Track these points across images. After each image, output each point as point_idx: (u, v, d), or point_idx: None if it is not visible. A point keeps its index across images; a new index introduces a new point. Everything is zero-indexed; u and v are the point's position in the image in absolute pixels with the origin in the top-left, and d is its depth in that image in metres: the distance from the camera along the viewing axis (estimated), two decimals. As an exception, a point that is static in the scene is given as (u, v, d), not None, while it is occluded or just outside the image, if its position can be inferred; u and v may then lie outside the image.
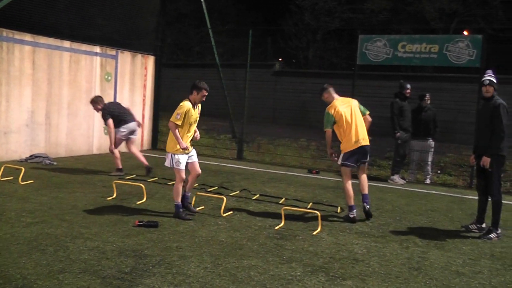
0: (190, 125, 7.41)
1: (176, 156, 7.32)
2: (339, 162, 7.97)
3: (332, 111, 7.90)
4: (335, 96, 8.15)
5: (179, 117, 7.25)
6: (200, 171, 7.66)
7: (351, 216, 7.66)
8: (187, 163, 7.46)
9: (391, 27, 22.64)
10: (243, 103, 14.03)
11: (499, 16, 24.06)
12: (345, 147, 7.88)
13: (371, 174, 12.65)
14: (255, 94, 17.45)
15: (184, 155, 7.37)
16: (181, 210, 7.26)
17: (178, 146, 7.28)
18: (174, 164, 7.33)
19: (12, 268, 4.90)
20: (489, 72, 7.39)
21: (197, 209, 7.74)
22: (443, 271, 5.62)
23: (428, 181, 11.71)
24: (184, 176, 7.35)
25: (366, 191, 7.95)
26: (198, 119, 7.57)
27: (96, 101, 10.42)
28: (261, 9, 32.78)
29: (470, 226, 7.56)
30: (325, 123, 8.05)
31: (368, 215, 7.80)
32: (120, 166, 10.38)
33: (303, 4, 26.94)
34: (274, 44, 27.06)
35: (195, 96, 7.43)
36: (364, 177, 8.05)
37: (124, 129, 10.41)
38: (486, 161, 7.13)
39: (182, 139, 7.28)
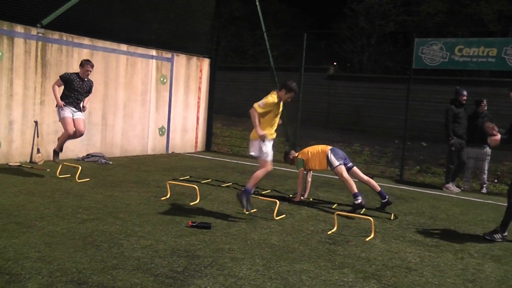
0: (276, 116, 7.45)
1: (264, 144, 7.34)
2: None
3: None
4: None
5: (262, 105, 7.25)
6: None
7: (357, 202, 8.22)
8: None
9: (447, 30, 22.11)
10: (297, 107, 13.97)
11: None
12: None
13: (425, 181, 12.39)
14: (309, 98, 17.34)
15: (269, 144, 7.38)
16: (249, 196, 7.33)
17: (265, 133, 7.30)
18: (263, 155, 7.36)
19: (68, 262, 4.99)
20: None
21: (249, 211, 7.71)
22: (499, 285, 5.39)
23: (484, 190, 11.33)
24: (271, 166, 7.38)
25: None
26: (281, 112, 7.58)
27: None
28: (315, 12, 32.65)
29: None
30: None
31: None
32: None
33: (358, 7, 26.66)
34: (328, 48, 26.85)
35: (283, 94, 7.43)
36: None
37: None
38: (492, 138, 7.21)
39: (265, 129, 7.31)
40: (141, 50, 12.90)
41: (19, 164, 10.30)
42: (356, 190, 8.28)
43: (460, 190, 11.22)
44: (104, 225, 6.41)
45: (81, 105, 9.42)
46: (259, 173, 7.37)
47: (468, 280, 5.46)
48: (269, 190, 9.55)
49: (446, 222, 8.15)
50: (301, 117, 14.00)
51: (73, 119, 9.24)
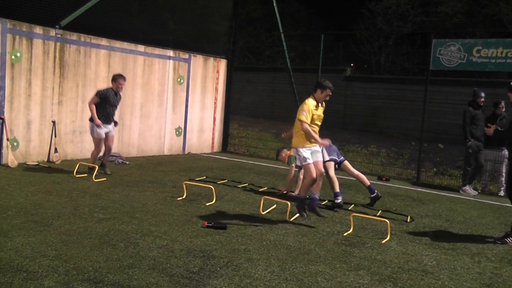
0: (315, 122, 7.33)
1: (303, 153, 7.24)
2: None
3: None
4: None
5: (305, 113, 7.16)
6: (323, 170, 7.53)
7: (337, 201, 8.48)
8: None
9: (466, 31, 21.90)
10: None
11: None
12: None
13: (442, 183, 12.29)
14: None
15: (309, 150, 7.28)
16: (303, 205, 7.29)
17: (304, 142, 7.23)
18: (302, 161, 7.27)
19: (85, 261, 5.02)
20: None
21: (265, 212, 7.70)
22: (519, 288, 5.34)
23: (502, 193, 11.19)
24: (315, 171, 7.21)
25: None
26: (322, 118, 7.47)
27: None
28: (332, 13, 32.58)
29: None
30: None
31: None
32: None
33: (376, 8, 26.51)
34: (345, 49, 26.76)
35: (319, 95, 7.33)
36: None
37: None
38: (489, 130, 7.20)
39: (302, 138, 7.24)
40: (158, 50, 12.96)
41: (37, 163, 10.39)
42: (338, 190, 8.59)
43: (477, 193, 11.11)
44: (121, 224, 6.44)
45: (112, 120, 9.83)
46: (306, 181, 7.30)
47: (485, 284, 5.39)
48: (286, 192, 9.51)
49: (463, 225, 8.07)
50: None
51: (106, 136, 9.77)
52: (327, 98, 7.38)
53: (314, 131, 7.30)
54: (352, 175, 9.00)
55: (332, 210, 8.38)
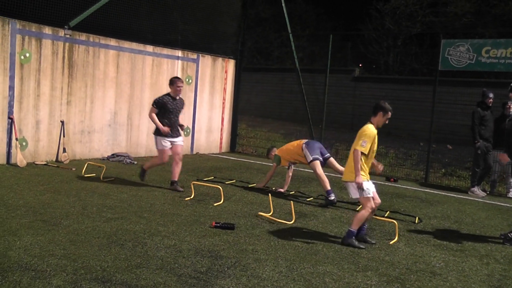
0: (373, 151, 6.55)
1: (365, 185, 6.41)
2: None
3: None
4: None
5: (365, 144, 6.36)
6: (379, 200, 6.72)
7: (331, 198, 8.49)
8: None
9: (475, 31, 21.80)
10: (322, 109, 13.91)
11: None
12: None
13: (451, 184, 12.23)
14: (334, 99, 17.26)
15: (369, 181, 6.51)
16: (353, 238, 6.39)
17: (365, 173, 6.45)
18: (363, 194, 6.41)
19: (93, 260, 5.03)
20: None
21: (269, 214, 7.70)
22: (528, 290, 5.30)
23: (510, 194, 11.12)
24: (373, 204, 6.51)
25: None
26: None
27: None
28: (341, 14, 32.52)
29: (509, 234, 7.23)
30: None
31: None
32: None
33: (384, 8, 26.46)
34: (354, 49, 26.73)
35: (379, 119, 6.57)
36: None
37: None
38: (504, 158, 7.19)
39: (364, 168, 6.45)
40: (167, 51, 12.98)
41: (46, 163, 10.43)
42: (329, 187, 8.61)
43: (486, 194, 11.04)
44: (129, 224, 6.45)
45: (178, 126, 8.98)
46: (364, 213, 6.41)
47: (494, 286, 5.37)
48: (293, 192, 9.50)
49: (471, 227, 8.03)
50: (326, 119, 13.94)
51: (172, 146, 8.92)
52: (387, 122, 6.66)
53: (367, 164, 6.53)
54: (337, 171, 9.08)
55: (326, 207, 8.48)
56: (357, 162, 6.35)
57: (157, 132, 8.80)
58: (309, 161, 8.86)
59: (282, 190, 9.39)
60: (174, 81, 8.94)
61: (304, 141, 9.20)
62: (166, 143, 8.83)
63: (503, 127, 10.78)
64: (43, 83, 10.46)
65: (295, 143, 9.29)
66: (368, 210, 6.44)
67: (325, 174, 8.87)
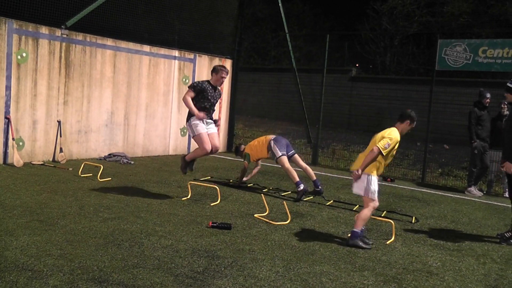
0: (391, 155, 6.56)
1: (372, 180, 6.39)
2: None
3: None
4: None
5: (388, 146, 6.28)
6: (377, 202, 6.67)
7: (300, 189, 8.80)
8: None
9: (472, 31, 21.85)
10: (319, 108, 13.93)
11: None
12: None
13: (447, 184, 12.25)
14: (331, 99, 17.29)
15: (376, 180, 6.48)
16: (358, 238, 6.34)
17: (374, 169, 6.39)
18: (369, 194, 6.37)
19: (90, 260, 5.03)
20: None
21: (265, 214, 7.70)
22: (524, 290, 5.32)
23: (507, 194, 11.14)
24: (377, 204, 6.51)
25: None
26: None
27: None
28: (338, 13, 32.57)
29: (505, 234, 7.27)
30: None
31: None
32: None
33: (381, 8, 26.50)
34: (351, 49, 26.76)
35: (405, 126, 6.56)
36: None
37: None
38: (508, 167, 7.07)
39: (378, 169, 6.44)
40: (163, 51, 12.98)
41: (42, 163, 10.42)
42: (297, 179, 8.90)
43: (482, 194, 11.07)
44: (125, 224, 6.45)
45: (213, 118, 8.31)
46: (367, 212, 6.41)
47: (490, 285, 5.38)
48: (290, 192, 9.51)
49: (468, 226, 8.05)
50: (323, 119, 13.95)
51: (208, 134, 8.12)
52: (409, 131, 6.67)
53: (382, 166, 6.48)
54: (301, 167, 9.37)
55: (300, 200, 8.82)
56: (371, 159, 6.27)
57: (190, 118, 8.04)
58: (277, 156, 9.06)
59: (245, 178, 9.84)
60: (218, 70, 8.13)
61: (272, 137, 9.41)
62: (200, 125, 7.97)
63: (499, 126, 10.83)
64: (40, 83, 10.45)
65: (262, 139, 9.48)
66: (371, 210, 6.43)
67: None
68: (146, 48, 12.53)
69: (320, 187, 9.31)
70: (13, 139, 10.00)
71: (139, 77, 12.40)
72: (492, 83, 16.93)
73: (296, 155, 9.41)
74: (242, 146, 9.98)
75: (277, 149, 9.08)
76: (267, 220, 7.23)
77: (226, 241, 6.09)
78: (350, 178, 10.76)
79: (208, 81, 8.19)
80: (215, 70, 8.17)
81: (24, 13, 10.07)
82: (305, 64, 25.42)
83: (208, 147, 7.97)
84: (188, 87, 8.09)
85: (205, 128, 8.02)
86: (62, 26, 10.71)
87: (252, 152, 9.53)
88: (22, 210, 6.71)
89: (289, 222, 7.21)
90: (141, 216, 6.89)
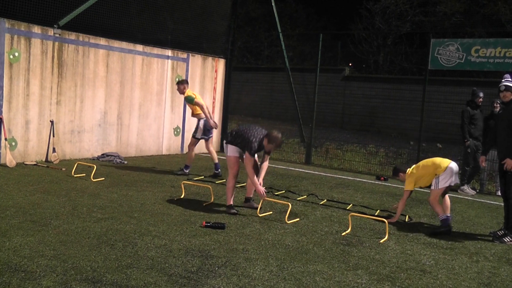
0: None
1: None
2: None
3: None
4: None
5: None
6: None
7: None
8: None
9: (464, 31, 21.94)
10: (312, 108, 13.94)
11: None
12: None
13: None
14: (324, 98, 17.30)
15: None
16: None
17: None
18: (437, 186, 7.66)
19: (83, 261, 5.02)
20: (507, 76, 7.25)
21: (264, 214, 7.70)
22: (517, 288, 5.34)
23: (499, 192, 11.18)
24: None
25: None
26: None
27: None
28: (331, 13, 32.61)
29: (498, 232, 7.34)
30: None
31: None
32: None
33: (374, 8, 26.57)
34: (344, 49, 26.81)
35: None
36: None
37: None
38: (510, 163, 7.07)
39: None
40: (157, 50, 12.95)
41: (35, 163, 10.38)
42: (216, 161, 10.52)
43: (475, 193, 11.12)
44: (119, 224, 6.44)
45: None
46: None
47: (483, 283, 5.41)
48: (283, 191, 9.53)
49: (461, 225, 8.08)
50: (316, 118, 13.97)
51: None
52: None
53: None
54: (208, 151, 10.75)
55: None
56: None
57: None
58: (196, 136, 10.55)
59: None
60: (278, 144, 7.66)
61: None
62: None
63: (492, 125, 10.85)
64: (33, 83, 10.41)
65: None
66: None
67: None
68: (139, 47, 12.50)
69: (219, 170, 10.47)
70: (5, 139, 9.95)
71: (132, 77, 12.37)
72: (484, 83, 17.02)
73: (210, 139, 10.71)
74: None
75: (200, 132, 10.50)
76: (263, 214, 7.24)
77: (220, 240, 6.09)
78: (343, 177, 10.81)
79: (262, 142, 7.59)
80: (275, 142, 7.55)
81: (16, 12, 10.02)
82: (298, 64, 25.45)
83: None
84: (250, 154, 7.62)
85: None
86: (55, 26, 10.67)
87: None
88: (15, 211, 6.68)
89: (291, 222, 7.22)
90: (135, 216, 6.88)
